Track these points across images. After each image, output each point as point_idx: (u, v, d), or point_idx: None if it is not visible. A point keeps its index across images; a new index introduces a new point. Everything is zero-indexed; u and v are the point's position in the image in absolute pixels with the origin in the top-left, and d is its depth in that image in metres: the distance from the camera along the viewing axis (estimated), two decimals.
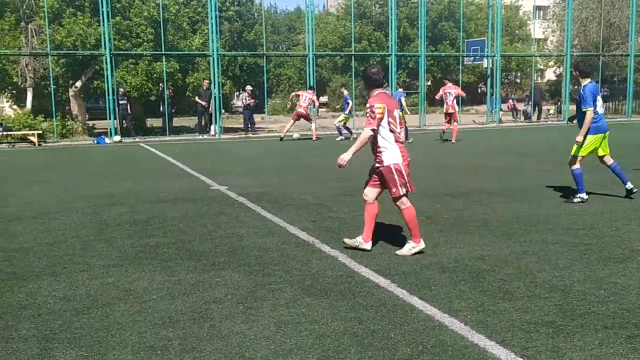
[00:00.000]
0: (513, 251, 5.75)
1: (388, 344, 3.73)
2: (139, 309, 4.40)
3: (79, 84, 23.06)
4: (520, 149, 15.77)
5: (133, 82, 22.47)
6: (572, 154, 8.15)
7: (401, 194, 5.54)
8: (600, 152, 8.19)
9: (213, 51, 22.67)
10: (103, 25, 21.03)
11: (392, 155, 5.51)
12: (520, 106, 32.16)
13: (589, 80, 8.04)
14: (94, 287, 4.92)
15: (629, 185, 8.26)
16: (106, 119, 22.22)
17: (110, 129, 21.76)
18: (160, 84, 23.04)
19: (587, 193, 8.13)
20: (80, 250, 6.05)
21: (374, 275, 5.06)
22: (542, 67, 46.12)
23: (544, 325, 3.95)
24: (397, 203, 5.64)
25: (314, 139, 20.03)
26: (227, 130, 24.88)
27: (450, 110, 17.80)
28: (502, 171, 11.42)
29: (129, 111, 22.83)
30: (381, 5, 42.45)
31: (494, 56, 27.45)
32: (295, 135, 20.79)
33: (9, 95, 25.86)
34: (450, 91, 17.75)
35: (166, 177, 11.46)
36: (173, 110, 24.60)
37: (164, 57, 22.43)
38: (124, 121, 22.69)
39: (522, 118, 30.21)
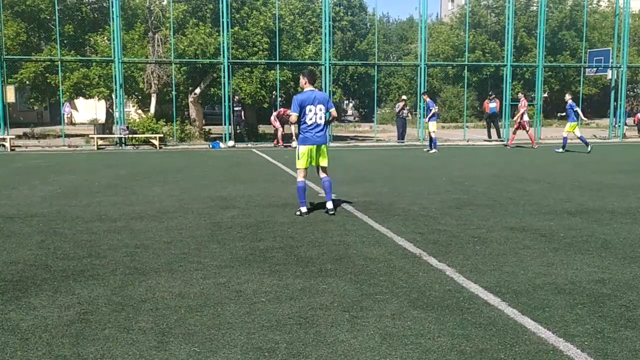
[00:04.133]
0: (637, 276, 5.36)
1: None
2: (248, 310, 4.53)
3: (197, 90, 24.30)
4: None
5: (247, 89, 23.32)
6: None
7: None
8: (313, 163, 8.36)
9: (325, 60, 23.06)
10: (222, 35, 22.00)
11: None
12: None
13: (311, 89, 8.20)
14: (207, 286, 5.12)
15: (330, 205, 8.28)
16: (221, 125, 23.19)
17: (225, 134, 22.70)
18: (274, 92, 23.74)
19: None
20: (195, 250, 6.33)
21: (483, 292, 4.90)
22: None
23: None
24: None
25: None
26: (336, 138, 25.17)
27: None
28: (626, 189, 10.69)
29: (243, 117, 23.70)
30: (497, 14, 41.31)
31: (620, 67, 25.85)
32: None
33: (135, 100, 27.72)
34: None
35: (276, 183, 11.77)
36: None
37: (277, 65, 23.11)
38: (237, 127, 23.58)
39: None
